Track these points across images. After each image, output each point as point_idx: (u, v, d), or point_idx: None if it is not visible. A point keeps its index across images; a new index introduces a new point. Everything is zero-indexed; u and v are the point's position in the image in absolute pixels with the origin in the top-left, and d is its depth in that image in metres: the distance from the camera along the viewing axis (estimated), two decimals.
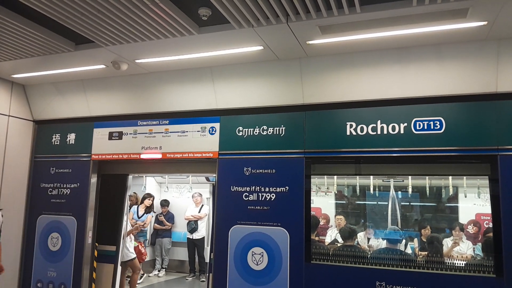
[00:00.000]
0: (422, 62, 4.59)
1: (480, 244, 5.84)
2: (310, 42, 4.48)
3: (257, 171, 5.24)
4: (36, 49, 5.03)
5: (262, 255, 5.06)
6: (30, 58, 5.33)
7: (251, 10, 3.84)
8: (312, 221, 5.20)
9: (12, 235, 6.37)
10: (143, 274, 8.39)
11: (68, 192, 6.34)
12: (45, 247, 6.35)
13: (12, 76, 6.14)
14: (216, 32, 4.35)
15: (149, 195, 8.59)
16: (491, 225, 4.49)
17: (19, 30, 4.49)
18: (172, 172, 6.44)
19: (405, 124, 4.67)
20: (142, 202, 8.58)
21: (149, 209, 8.50)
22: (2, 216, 5.62)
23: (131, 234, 6.94)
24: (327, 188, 7.21)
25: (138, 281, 7.64)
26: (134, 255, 6.93)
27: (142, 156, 5.92)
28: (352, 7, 3.74)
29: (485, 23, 3.91)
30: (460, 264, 4.55)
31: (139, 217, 8.36)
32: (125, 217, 6.39)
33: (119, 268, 6.32)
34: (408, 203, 7.08)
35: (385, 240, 5.87)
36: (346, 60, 4.83)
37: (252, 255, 5.11)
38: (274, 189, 5.12)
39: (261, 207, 5.15)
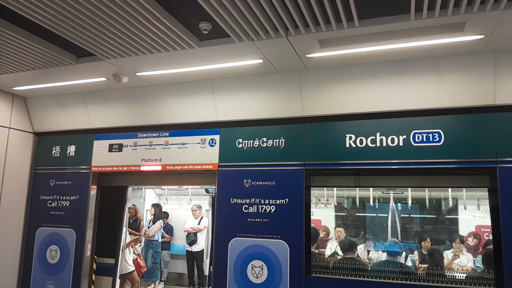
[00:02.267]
0: (420, 75, 4.62)
1: (480, 256, 5.82)
2: (309, 55, 4.52)
3: (257, 183, 5.24)
4: (38, 62, 5.07)
5: (262, 268, 5.03)
6: (31, 71, 5.37)
7: (251, 24, 3.89)
8: (312, 233, 5.19)
9: (10, 247, 6.34)
10: None
11: (68, 204, 6.32)
12: (44, 259, 6.31)
13: (13, 88, 6.18)
14: (216, 46, 4.39)
15: (152, 205, 8.67)
16: (491, 237, 4.48)
17: (20, 43, 4.53)
18: (172, 184, 6.43)
19: (404, 136, 4.70)
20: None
21: (155, 219, 8.53)
22: None
23: (130, 246, 6.90)
24: (327, 200, 7.20)
25: None
26: (133, 268, 6.88)
27: (142, 168, 5.93)
28: (350, 21, 3.79)
29: (482, 36, 3.96)
30: (460, 276, 4.53)
31: (148, 228, 8.44)
32: (124, 229, 6.37)
33: (118, 281, 6.27)
34: (408, 215, 7.07)
35: (385, 253, 5.84)
36: (345, 73, 4.87)
37: (252, 268, 5.08)
38: (274, 201, 5.12)
39: (261, 219, 5.14)
